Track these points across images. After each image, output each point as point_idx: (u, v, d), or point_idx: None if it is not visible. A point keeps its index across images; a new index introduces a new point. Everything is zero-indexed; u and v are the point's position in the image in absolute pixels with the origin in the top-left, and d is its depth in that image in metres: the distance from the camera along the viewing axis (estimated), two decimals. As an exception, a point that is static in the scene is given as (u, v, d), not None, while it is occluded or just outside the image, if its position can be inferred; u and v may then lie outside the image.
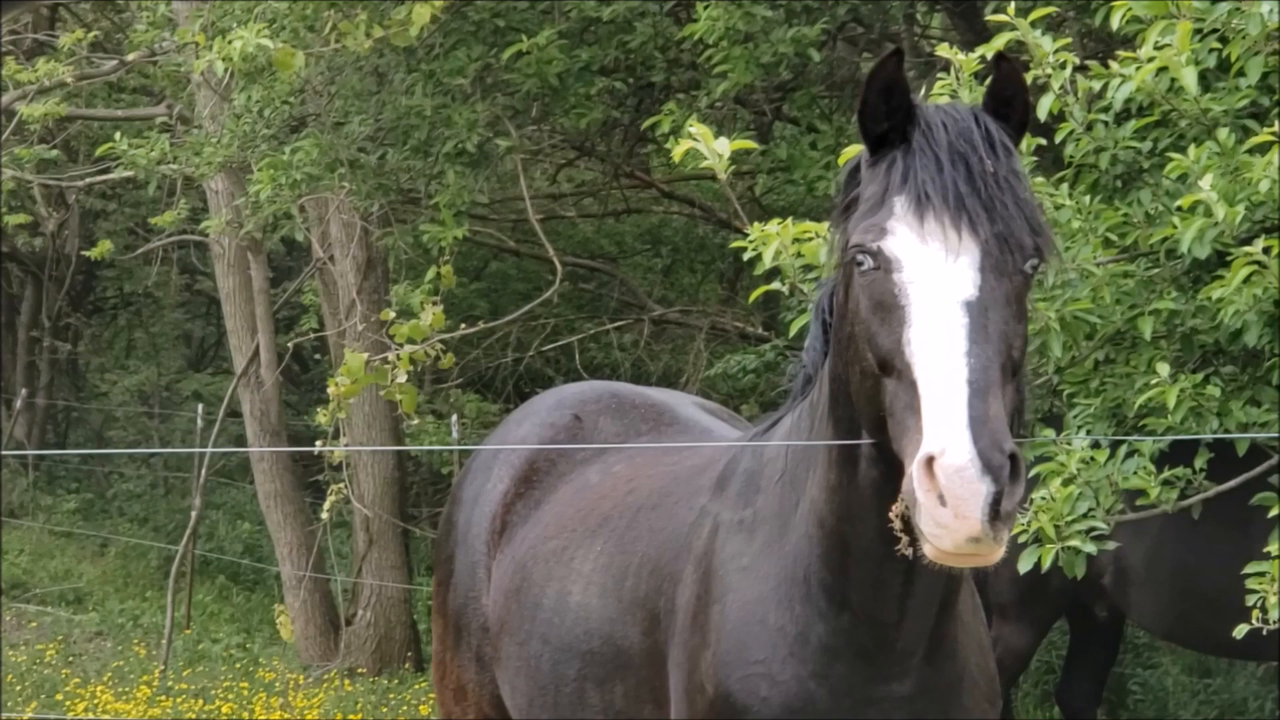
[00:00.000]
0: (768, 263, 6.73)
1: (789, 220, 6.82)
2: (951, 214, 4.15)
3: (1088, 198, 7.17)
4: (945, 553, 3.93)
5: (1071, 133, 7.12)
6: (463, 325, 11.36)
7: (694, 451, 5.72)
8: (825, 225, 6.75)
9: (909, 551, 4.08)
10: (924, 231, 4.15)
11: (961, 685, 4.81)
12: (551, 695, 5.68)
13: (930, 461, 3.88)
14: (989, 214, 4.17)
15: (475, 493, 6.44)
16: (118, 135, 13.76)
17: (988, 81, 4.49)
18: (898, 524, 4.09)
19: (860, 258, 4.21)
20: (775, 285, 6.85)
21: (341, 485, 12.23)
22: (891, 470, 4.32)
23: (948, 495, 3.85)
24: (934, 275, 4.12)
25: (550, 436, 6.38)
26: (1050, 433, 7.15)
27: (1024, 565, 6.78)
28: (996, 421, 3.91)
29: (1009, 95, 4.39)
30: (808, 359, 4.88)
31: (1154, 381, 6.87)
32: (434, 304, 10.79)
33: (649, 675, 5.19)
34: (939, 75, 7.06)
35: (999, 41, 6.86)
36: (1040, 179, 7.08)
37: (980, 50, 6.95)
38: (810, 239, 6.73)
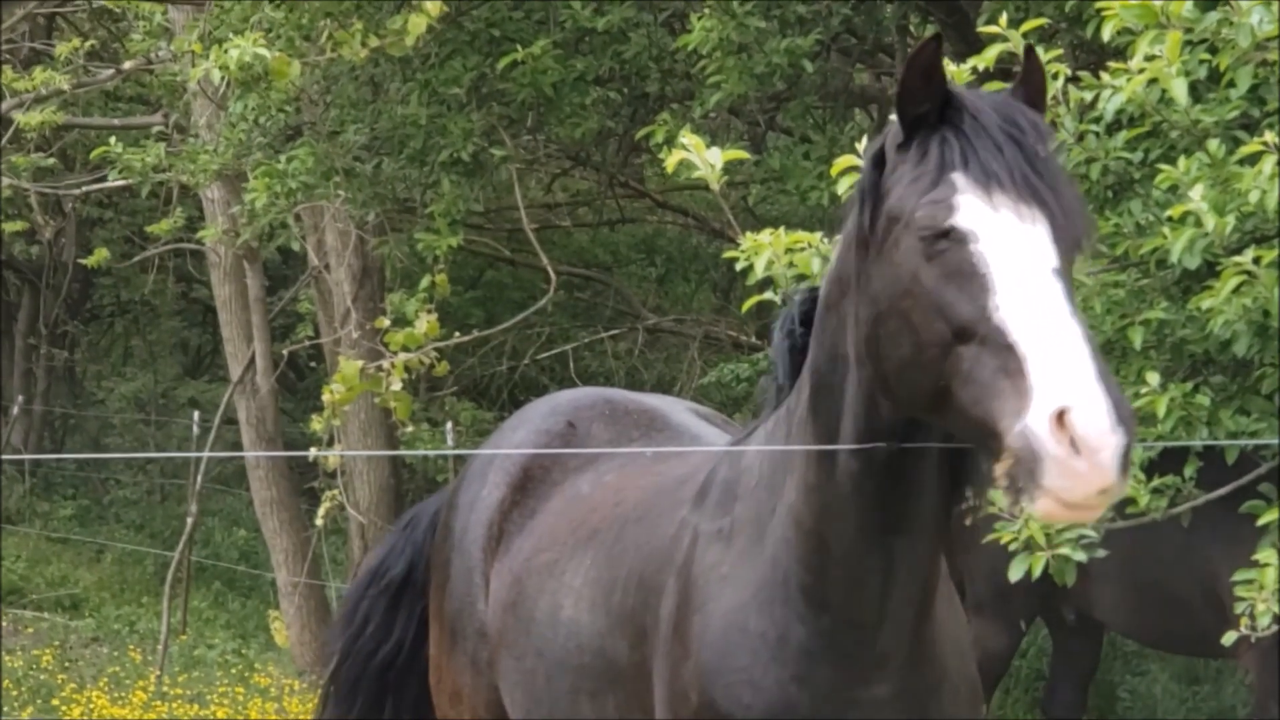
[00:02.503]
0: (759, 273, 6.76)
1: (781, 230, 6.86)
2: (1019, 191, 4.17)
3: (1079, 208, 7.18)
4: (1069, 505, 3.93)
5: (1063, 143, 7.14)
6: (457, 333, 11.40)
7: (680, 461, 5.72)
8: (818, 235, 6.84)
9: (1015, 512, 4.04)
10: (995, 204, 4.16)
11: (942, 689, 4.84)
12: (546, 708, 5.73)
13: (1062, 415, 3.87)
14: (1053, 194, 4.20)
15: (471, 498, 6.46)
16: (112, 140, 13.79)
17: (1018, 72, 4.53)
18: (1003, 482, 4.05)
19: (930, 229, 4.19)
20: (768, 295, 6.88)
21: (336, 492, 12.27)
22: (872, 466, 4.42)
23: (1084, 446, 3.85)
24: (1016, 244, 4.13)
25: (545, 443, 6.39)
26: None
27: (1014, 574, 6.82)
28: (1113, 379, 3.97)
29: (1039, 85, 4.47)
30: (778, 369, 4.91)
31: (1144, 390, 6.89)
32: (429, 312, 10.83)
33: (638, 688, 5.22)
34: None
35: (990, 53, 6.90)
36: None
37: (972, 61, 6.98)
38: (802, 249, 6.77)
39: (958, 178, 4.20)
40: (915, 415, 4.35)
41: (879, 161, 4.42)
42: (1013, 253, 4.12)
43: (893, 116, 4.42)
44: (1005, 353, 4.01)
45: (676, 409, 6.51)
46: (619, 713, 5.36)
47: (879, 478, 4.37)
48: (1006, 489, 4.02)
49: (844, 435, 4.52)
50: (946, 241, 4.16)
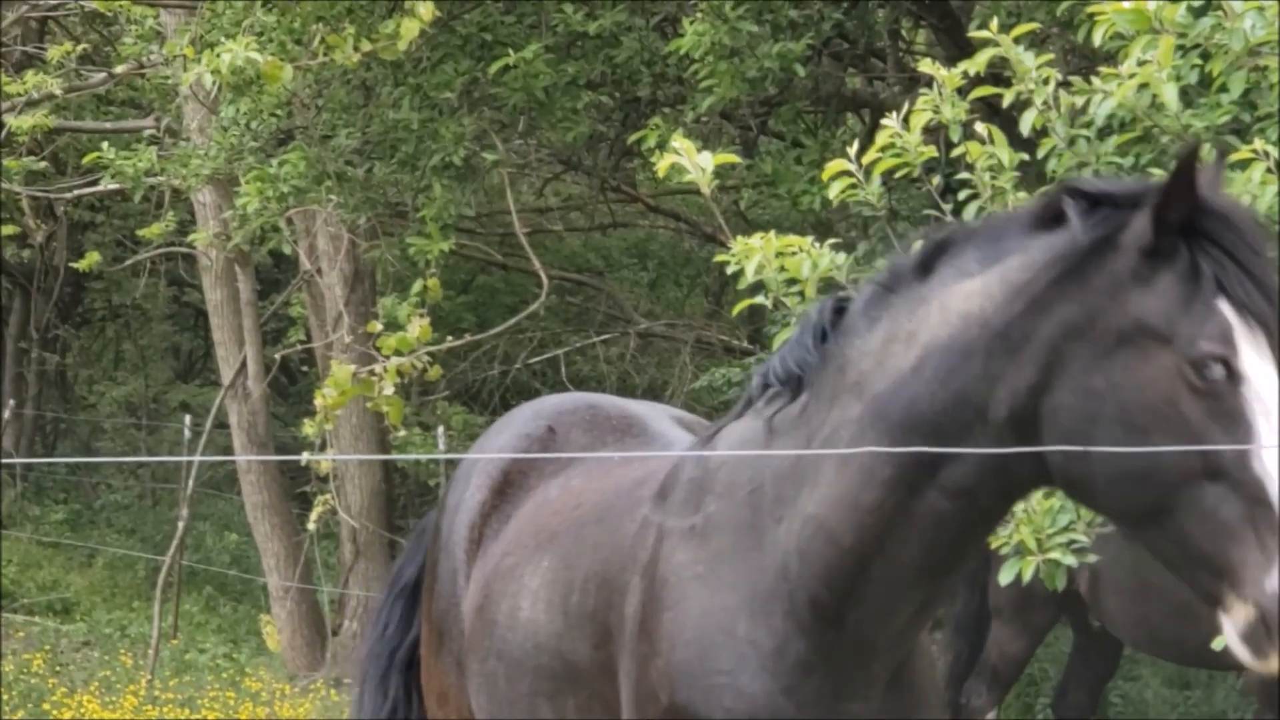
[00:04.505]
0: (750, 277, 6.75)
1: (772, 234, 6.85)
2: (1274, 332, 4.12)
3: (1070, 213, 7.17)
4: None
5: (1054, 148, 7.11)
6: (449, 338, 11.39)
7: (640, 465, 5.64)
8: (809, 239, 6.83)
9: (1256, 666, 4.08)
10: (1263, 347, 4.11)
11: (920, 711, 4.83)
12: (507, 710, 5.70)
13: None
14: None
15: (456, 501, 6.47)
16: (104, 145, 13.79)
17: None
18: (1238, 627, 4.04)
19: (1213, 367, 4.07)
20: (759, 299, 6.86)
21: (328, 496, 12.27)
22: (969, 503, 4.35)
23: None
24: (1275, 393, 4.07)
25: (525, 448, 6.38)
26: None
27: (1004, 578, 6.80)
28: None
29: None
30: (782, 369, 4.77)
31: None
32: (421, 316, 10.83)
33: (600, 688, 5.18)
34: (922, 91, 7.09)
35: (982, 58, 6.89)
36: (1024, 194, 7.11)
37: (963, 66, 6.96)
38: (794, 253, 6.75)
39: (1231, 312, 4.11)
40: (1106, 516, 4.35)
41: (1103, 246, 4.25)
42: (1275, 403, 4.07)
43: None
44: (1257, 505, 4.00)
45: (659, 416, 6.45)
46: (579, 713, 5.32)
47: (970, 515, 4.39)
48: (1241, 636, 4.03)
49: (945, 476, 4.39)
50: (1221, 379, 4.07)
